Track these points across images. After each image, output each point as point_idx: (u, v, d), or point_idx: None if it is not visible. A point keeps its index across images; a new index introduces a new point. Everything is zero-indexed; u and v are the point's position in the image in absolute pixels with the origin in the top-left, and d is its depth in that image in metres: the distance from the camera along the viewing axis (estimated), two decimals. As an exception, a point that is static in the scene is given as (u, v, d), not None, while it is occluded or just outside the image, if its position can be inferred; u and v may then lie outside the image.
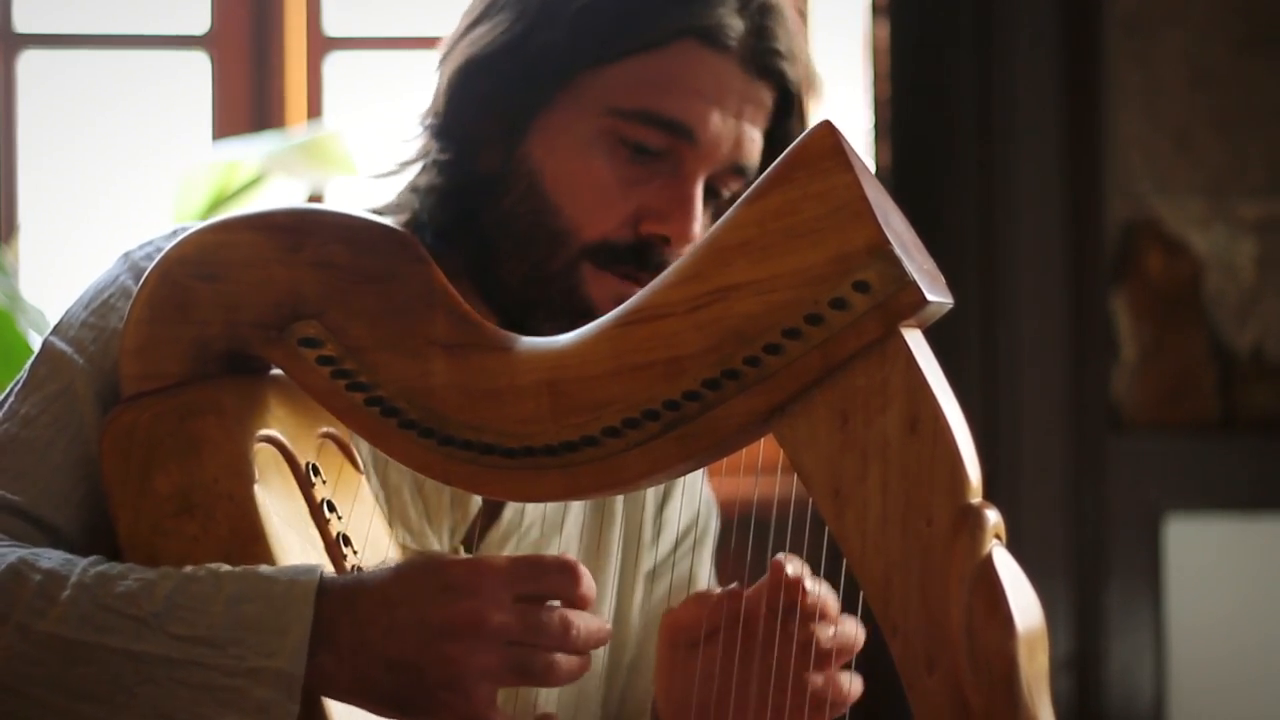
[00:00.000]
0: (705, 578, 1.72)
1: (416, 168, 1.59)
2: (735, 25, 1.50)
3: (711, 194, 1.52)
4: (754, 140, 1.52)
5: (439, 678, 1.23)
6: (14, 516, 1.35)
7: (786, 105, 1.53)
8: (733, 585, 1.45)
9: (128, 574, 1.27)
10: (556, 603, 1.26)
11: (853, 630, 1.43)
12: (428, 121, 1.58)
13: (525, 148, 1.52)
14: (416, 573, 1.26)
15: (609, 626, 1.28)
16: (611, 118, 1.50)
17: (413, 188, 1.58)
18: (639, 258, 1.49)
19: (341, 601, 1.25)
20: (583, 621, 1.25)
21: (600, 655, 1.66)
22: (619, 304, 1.46)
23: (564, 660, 1.25)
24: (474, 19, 1.56)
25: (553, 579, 1.25)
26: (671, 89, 1.49)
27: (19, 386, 1.42)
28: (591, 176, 1.50)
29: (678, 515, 1.70)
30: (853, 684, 1.44)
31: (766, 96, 1.52)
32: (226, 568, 1.27)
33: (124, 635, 1.25)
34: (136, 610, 1.25)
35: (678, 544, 1.70)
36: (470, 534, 1.59)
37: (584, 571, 1.26)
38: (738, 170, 1.52)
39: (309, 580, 1.25)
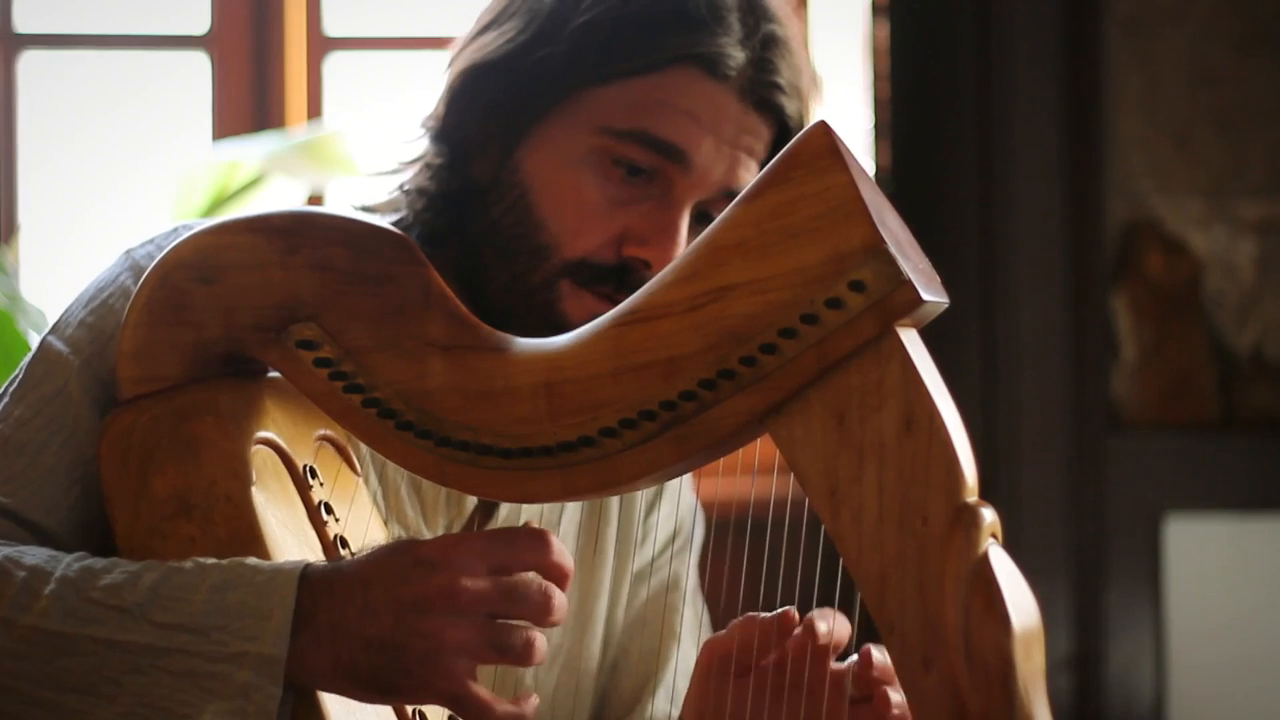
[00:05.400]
0: (689, 583, 1.72)
1: (413, 168, 1.59)
2: (736, 56, 1.49)
3: (703, 220, 1.51)
4: (749, 170, 1.51)
5: (416, 653, 1.22)
6: (5, 519, 1.35)
7: (784, 139, 1.51)
8: (783, 610, 1.44)
9: (112, 567, 1.28)
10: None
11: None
12: (428, 123, 1.58)
13: (518, 159, 1.52)
14: (390, 553, 1.26)
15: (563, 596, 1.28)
16: (605, 137, 1.50)
17: (405, 189, 1.58)
18: (618, 279, 1.49)
19: (320, 586, 1.25)
20: (557, 595, 1.25)
21: (595, 652, 1.66)
22: None
23: (541, 639, 1.25)
24: (485, 24, 1.56)
25: (524, 545, 1.25)
26: (666, 112, 1.49)
27: (14, 386, 1.42)
28: (579, 194, 1.50)
29: (664, 521, 1.70)
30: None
31: (764, 129, 1.52)
32: (212, 560, 1.27)
33: (108, 626, 1.25)
34: (120, 601, 1.25)
35: (663, 549, 1.70)
36: (466, 531, 1.59)
37: (555, 539, 1.26)
38: (730, 198, 1.51)
39: (293, 569, 1.26)
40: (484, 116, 1.53)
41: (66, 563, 1.28)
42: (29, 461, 1.37)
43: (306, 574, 1.25)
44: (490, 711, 1.24)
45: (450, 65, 1.57)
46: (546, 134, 1.52)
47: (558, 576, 1.26)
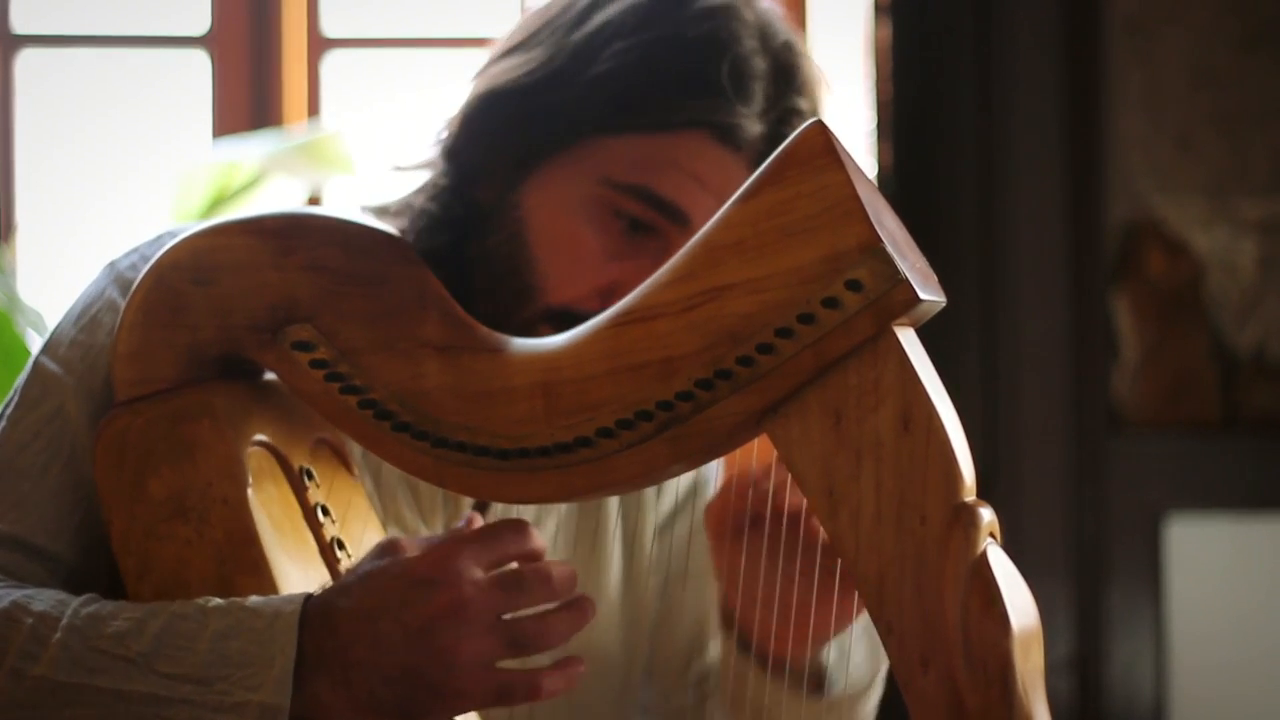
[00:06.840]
0: None
1: (424, 173, 1.58)
2: (752, 129, 1.48)
3: None
4: None
5: (437, 674, 1.23)
6: (9, 548, 1.35)
7: None
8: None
9: (118, 614, 1.27)
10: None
11: None
12: (441, 137, 1.56)
13: (519, 193, 1.51)
14: (383, 579, 1.25)
15: (571, 565, 1.29)
16: (607, 188, 1.48)
17: (410, 202, 1.57)
18: None
19: (323, 628, 1.25)
20: (554, 568, 1.26)
21: (611, 639, 1.65)
22: None
23: (555, 620, 1.25)
24: (511, 46, 1.54)
25: (508, 539, 1.27)
26: (673, 172, 1.48)
27: (10, 409, 1.42)
28: (574, 241, 1.49)
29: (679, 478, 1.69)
30: None
31: None
32: (215, 601, 1.27)
33: (114, 675, 1.25)
34: (125, 650, 1.25)
35: (686, 499, 1.69)
36: (451, 534, 1.59)
37: (529, 525, 1.28)
38: None
39: (292, 611, 1.25)
40: (494, 143, 1.52)
41: (73, 609, 1.28)
42: (31, 486, 1.37)
43: (307, 617, 1.25)
44: (536, 682, 1.26)
45: (474, 79, 1.55)
46: (551, 174, 1.50)
47: (538, 558, 1.28)
